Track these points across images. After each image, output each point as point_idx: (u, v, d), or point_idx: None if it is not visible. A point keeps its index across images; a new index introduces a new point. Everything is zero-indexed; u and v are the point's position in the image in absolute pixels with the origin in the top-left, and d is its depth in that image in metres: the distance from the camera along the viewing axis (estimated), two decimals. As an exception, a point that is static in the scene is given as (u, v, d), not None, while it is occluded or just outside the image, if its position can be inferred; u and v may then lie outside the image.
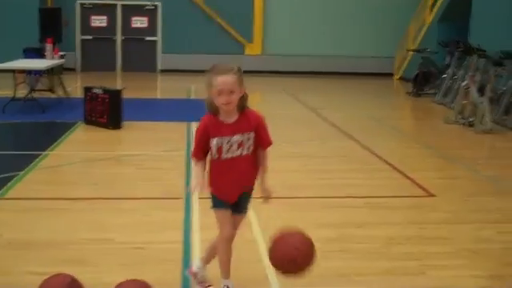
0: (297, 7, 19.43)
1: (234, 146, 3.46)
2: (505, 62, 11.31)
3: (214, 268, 3.77)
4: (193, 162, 3.60)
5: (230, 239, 3.64)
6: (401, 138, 9.77)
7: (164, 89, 16.74)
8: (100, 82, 10.82)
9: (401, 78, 18.70)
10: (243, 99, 3.49)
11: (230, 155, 3.48)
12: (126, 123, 9.43)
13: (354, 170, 7.28)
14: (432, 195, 6.24)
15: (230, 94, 3.38)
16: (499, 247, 4.79)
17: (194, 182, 3.53)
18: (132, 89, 13.70)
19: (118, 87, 12.39)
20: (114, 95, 9.47)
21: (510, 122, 10.51)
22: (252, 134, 3.51)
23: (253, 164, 3.61)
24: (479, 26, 13.95)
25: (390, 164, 7.49)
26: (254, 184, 3.69)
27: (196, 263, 3.95)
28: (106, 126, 9.25)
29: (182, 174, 6.68)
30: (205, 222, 5.10)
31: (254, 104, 14.52)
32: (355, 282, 4.05)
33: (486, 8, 13.72)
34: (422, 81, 14.97)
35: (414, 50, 16.99)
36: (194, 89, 14.96)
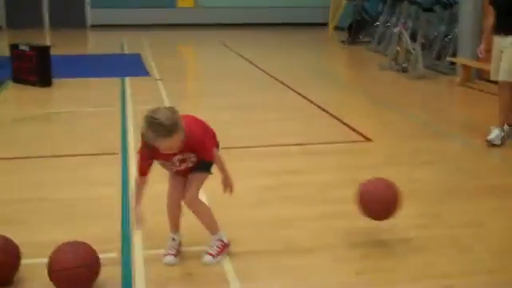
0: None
1: (176, 163, 3.50)
2: (435, 8, 11.46)
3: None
4: (136, 182, 3.56)
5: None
6: (337, 85, 9.84)
7: (95, 44, 16.28)
8: (28, 39, 10.38)
9: (336, 27, 18.75)
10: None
11: (175, 169, 3.55)
12: (56, 81, 9.12)
13: (291, 118, 7.30)
14: (368, 140, 6.33)
15: (171, 149, 3.37)
16: (433, 187, 4.91)
17: (135, 215, 3.51)
18: (62, 45, 13.26)
19: (47, 44, 11.97)
20: (42, 52, 9.12)
21: (441, 67, 10.73)
22: (192, 155, 3.52)
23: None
24: (410, -28, 14.03)
25: (326, 111, 7.55)
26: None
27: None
28: (35, 84, 8.92)
29: (117, 130, 6.54)
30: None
31: (190, 58, 14.46)
32: (295, 227, 4.08)
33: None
34: (356, 29, 15.06)
35: (347, -1, 17.02)
36: (126, 43, 14.60)
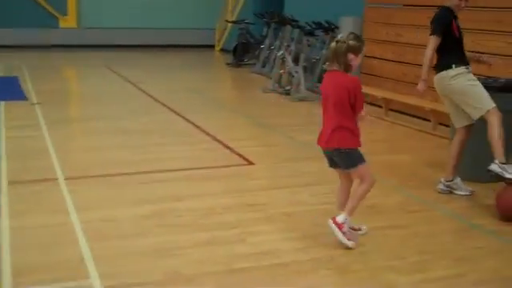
0: (113, -22, 18.77)
1: None
2: (316, 32, 11.82)
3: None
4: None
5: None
6: (221, 108, 9.84)
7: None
8: None
9: (222, 50, 18.89)
10: None
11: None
12: None
13: (174, 142, 7.20)
14: (251, 163, 6.34)
15: None
16: (313, 209, 4.97)
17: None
18: None
19: None
20: None
21: (323, 89, 11.01)
22: None
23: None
24: (292, -3, 14.44)
25: (209, 135, 7.51)
26: None
27: (341, 216, 4.19)
28: None
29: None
30: (15, 208, 4.75)
31: (71, 80, 13.98)
32: (176, 256, 3.98)
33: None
34: (241, 52, 15.24)
35: (232, 22, 17.21)
36: (2, 65, 13.89)
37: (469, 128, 5.47)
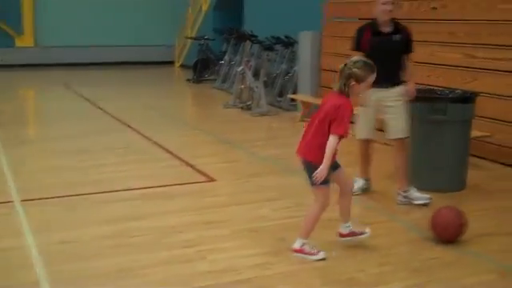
0: (70, -4, 18.59)
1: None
2: (276, 46, 11.88)
3: None
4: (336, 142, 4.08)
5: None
6: (181, 125, 9.78)
7: None
8: None
9: (182, 66, 18.85)
10: None
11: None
12: None
13: (134, 161, 7.12)
14: (212, 180, 6.30)
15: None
16: (274, 224, 4.95)
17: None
18: None
19: None
20: None
21: (284, 104, 11.07)
22: None
23: None
24: (251, 13, 14.50)
25: (170, 152, 7.45)
26: None
27: (298, 241, 4.24)
28: None
29: None
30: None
31: (28, 100, 13.75)
32: (135, 276, 3.91)
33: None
34: (202, 68, 15.23)
35: (191, 38, 17.20)
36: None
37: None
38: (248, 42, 12.57)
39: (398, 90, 5.46)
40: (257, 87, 10.66)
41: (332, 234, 4.57)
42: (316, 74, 10.48)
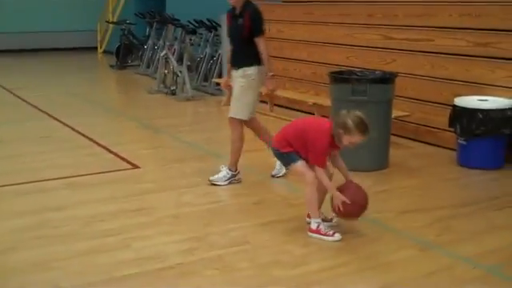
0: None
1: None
2: (199, 30, 11.76)
3: None
4: (322, 172, 4.21)
5: (314, 182, 4.26)
6: (104, 112, 9.54)
7: None
8: None
9: (105, 52, 18.40)
10: None
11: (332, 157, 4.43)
12: None
13: (54, 150, 6.89)
14: (136, 167, 6.19)
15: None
16: (199, 209, 4.91)
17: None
18: None
19: None
20: None
21: (209, 88, 11.00)
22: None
23: None
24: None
25: (92, 140, 7.26)
26: None
27: (312, 222, 4.30)
28: None
29: None
30: None
31: None
32: (53, 268, 3.78)
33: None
34: (125, 53, 14.91)
35: (113, 23, 16.81)
36: None
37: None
38: (170, 26, 12.38)
39: (240, 72, 5.49)
40: (181, 72, 10.54)
41: (260, 216, 4.58)
42: (240, 58, 10.43)
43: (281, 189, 5.52)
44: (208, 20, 11.51)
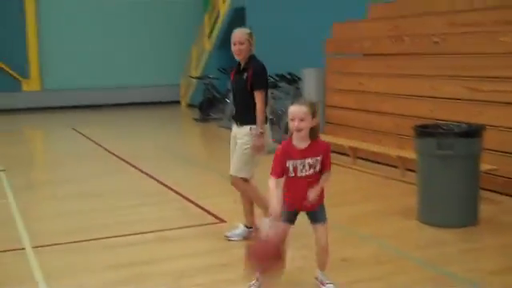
0: (75, 39, 18.87)
1: (306, 166, 4.04)
2: (280, 84, 11.96)
3: None
4: (272, 183, 4.05)
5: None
6: (189, 165, 9.80)
7: None
8: None
9: (188, 105, 18.97)
10: (314, 129, 4.02)
11: (304, 173, 4.05)
12: None
13: (142, 203, 7.11)
14: (222, 221, 6.28)
15: (300, 121, 3.89)
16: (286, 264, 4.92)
17: (275, 205, 3.99)
18: None
19: None
20: None
21: (290, 141, 11.07)
22: (319, 159, 4.07)
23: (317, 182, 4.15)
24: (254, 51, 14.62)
25: (179, 194, 7.45)
26: (322, 201, 4.27)
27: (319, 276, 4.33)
28: None
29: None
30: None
31: (36, 144, 13.85)
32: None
33: (259, 34, 14.40)
34: (208, 106, 15.33)
35: (196, 77, 17.36)
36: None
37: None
38: (252, 80, 12.62)
39: (243, 129, 5.40)
40: (263, 125, 10.68)
41: (347, 275, 4.54)
42: (321, 111, 10.53)
43: (369, 246, 5.46)
44: (289, 74, 11.71)
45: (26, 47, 18.38)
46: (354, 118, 9.81)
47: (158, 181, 8.23)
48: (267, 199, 5.07)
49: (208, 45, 18.17)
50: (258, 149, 5.40)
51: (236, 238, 5.54)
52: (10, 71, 18.17)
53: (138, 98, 19.43)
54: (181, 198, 7.30)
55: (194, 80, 18.12)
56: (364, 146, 9.06)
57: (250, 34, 5.44)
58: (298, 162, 4.03)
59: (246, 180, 5.51)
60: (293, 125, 3.97)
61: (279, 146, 4.11)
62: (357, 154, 9.20)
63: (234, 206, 6.99)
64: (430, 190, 5.98)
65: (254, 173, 5.53)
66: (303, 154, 4.03)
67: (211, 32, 18.19)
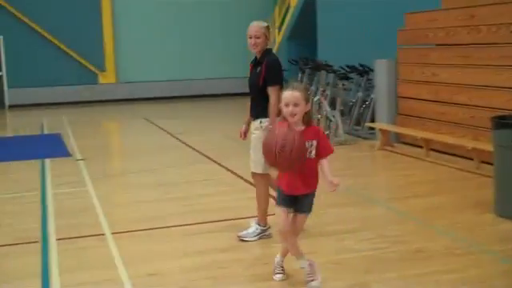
0: (148, 33, 19.32)
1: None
2: (351, 75, 11.89)
3: None
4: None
5: (283, 234, 4.21)
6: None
7: (14, 126, 15.77)
8: None
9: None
10: (307, 115, 4.04)
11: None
12: None
13: (217, 193, 7.25)
14: (294, 211, 6.32)
15: (294, 106, 3.91)
16: (359, 255, 4.93)
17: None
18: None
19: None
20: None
21: (362, 132, 11.03)
22: (315, 142, 4.03)
23: (314, 171, 4.14)
24: (325, 42, 14.60)
25: (251, 183, 7.53)
26: (315, 187, 4.22)
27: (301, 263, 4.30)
28: (-51, 171, 8.58)
29: (37, 217, 6.29)
30: (65, 265, 4.84)
31: (112, 134, 14.30)
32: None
33: (330, 26, 14.39)
34: (277, 98, 15.37)
35: (266, 69, 17.41)
36: (46, 123, 14.32)
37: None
38: (323, 71, 12.64)
39: (255, 123, 5.35)
40: (333, 116, 10.68)
41: (422, 266, 4.50)
42: (393, 102, 10.42)
43: (442, 237, 5.39)
44: (360, 65, 11.62)
45: (103, 42, 18.96)
46: (427, 109, 9.64)
47: (230, 170, 8.37)
48: (266, 206, 5.39)
49: (278, 36, 18.22)
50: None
51: (250, 238, 5.39)
52: (88, 65, 18.82)
53: (208, 89, 19.72)
54: (253, 187, 7.36)
55: (264, 72, 18.19)
56: (438, 137, 8.91)
57: (267, 28, 5.39)
58: None
59: (264, 175, 5.37)
60: (287, 110, 3.96)
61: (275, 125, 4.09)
62: (430, 146, 9.05)
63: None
64: (507, 182, 5.83)
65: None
66: None
67: (281, 24, 18.22)
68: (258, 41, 5.31)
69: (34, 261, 4.98)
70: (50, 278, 4.61)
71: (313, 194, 4.26)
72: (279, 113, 4.30)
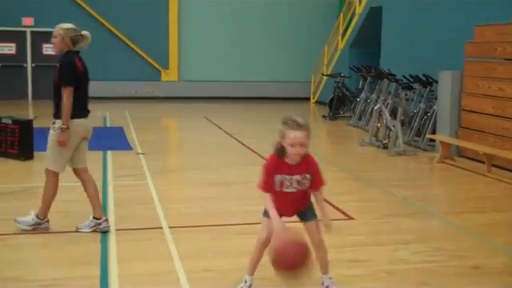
0: (212, 34, 19.57)
1: (294, 182, 4.00)
2: (413, 85, 11.75)
3: None
4: (267, 196, 4.09)
5: (263, 243, 4.21)
6: (318, 161, 9.84)
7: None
8: (10, 111, 10.42)
9: (317, 102, 19.08)
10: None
11: (291, 189, 4.03)
12: (38, 154, 9.08)
13: (273, 195, 7.29)
14: (350, 218, 6.33)
15: (301, 146, 3.89)
16: (413, 267, 4.89)
17: (276, 219, 3.99)
18: (44, 117, 13.24)
19: (30, 116, 12.01)
20: (25, 125, 9.14)
21: (421, 144, 10.89)
22: (308, 177, 4.03)
23: (306, 195, 4.16)
24: (388, 51, 14.47)
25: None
26: (308, 204, 4.22)
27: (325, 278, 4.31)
28: (17, 157, 8.90)
29: (98, 205, 6.48)
30: (123, 255, 4.97)
31: (172, 131, 14.54)
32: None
33: (394, 34, 14.25)
34: (337, 104, 15.35)
35: (328, 75, 17.40)
36: (109, 116, 14.69)
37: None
38: (385, 80, 12.54)
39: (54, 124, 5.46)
40: (394, 126, 10.58)
41: (480, 283, 4.44)
42: (456, 115, 10.24)
43: (501, 254, 5.29)
44: (424, 75, 11.47)
45: (168, 41, 19.32)
46: (491, 123, 9.44)
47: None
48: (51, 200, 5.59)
49: (341, 43, 18.15)
50: (60, 144, 5.46)
51: (86, 230, 5.55)
52: (152, 62, 19.21)
53: (268, 92, 19.80)
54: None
55: (325, 77, 18.18)
56: (502, 153, 8.72)
57: (67, 30, 5.49)
58: (287, 177, 4.00)
59: (57, 173, 5.66)
60: (292, 150, 3.91)
61: (268, 161, 4.08)
62: (492, 162, 8.86)
63: (361, 203, 7.04)
64: None
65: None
66: (292, 170, 3.99)
67: (345, 31, 18.15)
68: (55, 40, 5.51)
69: (95, 249, 5.14)
70: (109, 266, 4.75)
71: (309, 206, 4.26)
72: None
